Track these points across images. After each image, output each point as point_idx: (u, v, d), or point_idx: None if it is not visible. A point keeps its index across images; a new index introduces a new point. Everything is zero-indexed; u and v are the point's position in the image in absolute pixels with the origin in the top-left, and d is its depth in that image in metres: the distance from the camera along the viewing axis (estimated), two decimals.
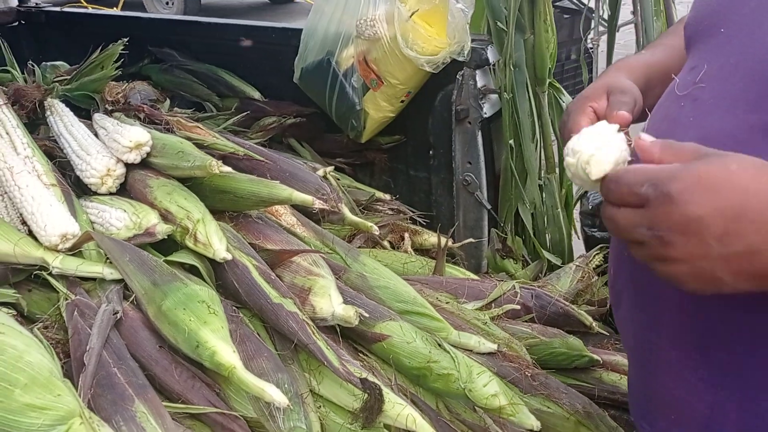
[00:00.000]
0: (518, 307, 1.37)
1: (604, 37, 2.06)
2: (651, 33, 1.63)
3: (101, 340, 0.90)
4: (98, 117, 1.34)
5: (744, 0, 0.65)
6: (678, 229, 0.52)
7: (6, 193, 1.09)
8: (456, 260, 1.70)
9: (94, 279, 1.05)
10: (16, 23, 2.62)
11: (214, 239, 1.06)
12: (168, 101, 2.09)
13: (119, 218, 1.07)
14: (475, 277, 1.54)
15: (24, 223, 1.08)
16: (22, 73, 2.20)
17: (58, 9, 2.60)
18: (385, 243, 1.62)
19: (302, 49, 1.80)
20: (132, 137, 1.16)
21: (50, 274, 1.03)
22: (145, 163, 1.20)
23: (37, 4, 2.64)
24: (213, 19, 2.19)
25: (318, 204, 1.18)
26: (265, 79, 2.10)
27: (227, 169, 1.14)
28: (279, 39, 2.04)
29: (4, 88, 1.46)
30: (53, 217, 1.03)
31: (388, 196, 1.75)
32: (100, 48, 1.93)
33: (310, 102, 1.93)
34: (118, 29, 2.34)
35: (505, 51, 1.51)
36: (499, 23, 1.48)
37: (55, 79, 2.01)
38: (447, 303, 1.32)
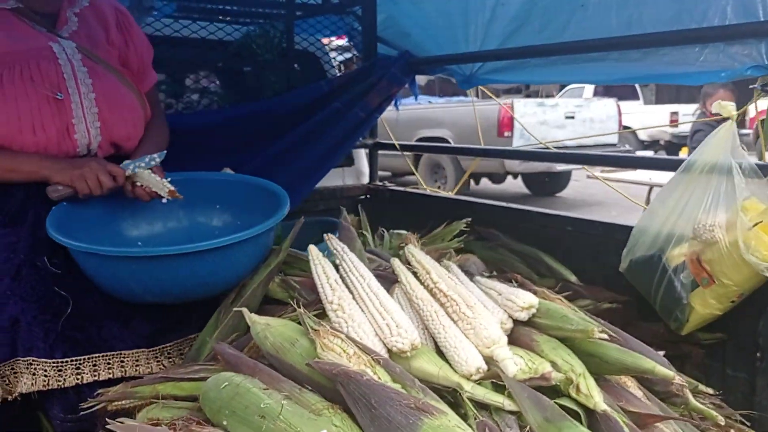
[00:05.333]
0: None
1: None
2: None
3: None
4: (482, 279, 1.66)
5: None
6: None
7: (428, 328, 1.41)
8: None
9: (488, 406, 1.29)
10: (364, 197, 3.24)
11: (595, 392, 1.26)
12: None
13: (516, 362, 1.32)
14: None
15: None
16: (373, 237, 2.70)
17: (402, 189, 3.18)
18: None
19: (632, 244, 2.02)
20: (525, 300, 1.45)
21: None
22: (529, 322, 1.47)
23: (384, 183, 3.25)
24: (541, 209, 2.53)
25: (678, 380, 1.33)
26: (582, 264, 2.34)
27: (604, 336, 1.35)
28: (602, 231, 2.29)
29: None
30: (471, 353, 1.31)
31: (710, 390, 1.81)
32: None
33: (624, 290, 2.12)
34: (451, 209, 2.80)
35: None
36: None
37: (400, 245, 2.45)
38: None
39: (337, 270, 1.51)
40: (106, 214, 1.74)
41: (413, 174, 7.02)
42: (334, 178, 3.15)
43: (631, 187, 6.09)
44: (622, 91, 13.79)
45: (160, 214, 1.84)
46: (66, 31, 1.81)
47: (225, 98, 2.94)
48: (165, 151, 1.79)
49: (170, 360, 1.61)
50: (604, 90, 13.66)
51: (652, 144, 14.40)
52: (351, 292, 1.43)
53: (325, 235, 1.64)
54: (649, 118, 13.96)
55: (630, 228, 2.05)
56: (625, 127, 11.46)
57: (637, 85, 15.08)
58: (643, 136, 14.12)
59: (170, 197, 1.71)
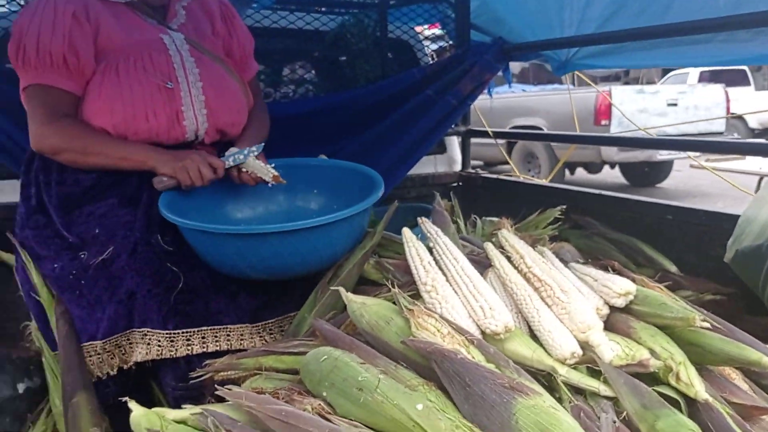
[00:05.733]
0: None
1: None
2: None
3: None
4: (577, 266, 1.64)
5: None
6: None
7: (521, 312, 1.42)
8: None
9: (583, 391, 1.28)
10: (456, 184, 3.24)
11: (696, 381, 1.23)
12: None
13: (613, 348, 1.30)
14: None
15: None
16: (465, 224, 2.70)
17: (494, 176, 3.16)
18: None
19: (738, 233, 1.93)
20: (623, 286, 1.42)
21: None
22: (626, 309, 1.44)
23: (476, 170, 3.24)
24: (639, 197, 2.46)
25: None
26: (683, 254, 2.26)
27: (706, 324, 1.31)
28: (705, 221, 2.21)
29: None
30: (565, 338, 1.31)
31: None
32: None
33: (729, 282, 2.03)
34: (544, 197, 2.76)
35: None
36: None
37: (493, 231, 2.44)
38: None
39: (431, 253, 1.53)
40: (212, 199, 1.84)
41: (506, 163, 6.94)
42: (426, 166, 3.17)
43: (739, 178, 5.78)
44: (731, 77, 13.01)
45: (261, 198, 1.92)
46: (175, 24, 1.92)
47: (321, 87, 3.02)
48: (263, 143, 1.87)
49: (271, 336, 1.69)
50: (711, 75, 12.96)
51: (764, 132, 13.55)
52: (444, 275, 1.45)
53: (418, 218, 1.67)
54: (761, 104, 13.12)
55: (736, 217, 1.96)
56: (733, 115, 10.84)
57: (747, 70, 14.20)
58: (753, 124, 13.31)
59: (274, 182, 1.79)
